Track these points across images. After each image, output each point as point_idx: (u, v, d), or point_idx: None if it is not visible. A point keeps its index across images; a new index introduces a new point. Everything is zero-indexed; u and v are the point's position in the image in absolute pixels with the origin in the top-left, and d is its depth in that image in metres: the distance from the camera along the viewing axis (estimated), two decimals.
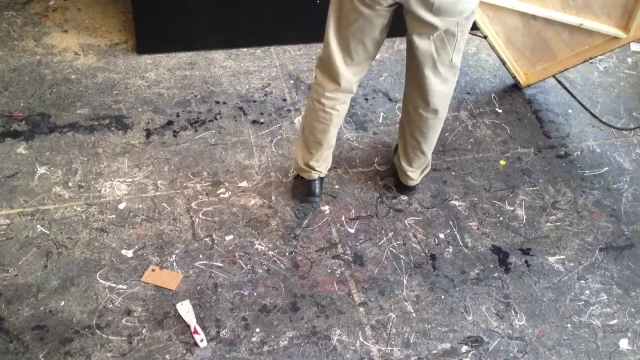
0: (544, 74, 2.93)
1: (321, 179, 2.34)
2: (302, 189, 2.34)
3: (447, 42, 1.90)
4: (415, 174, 2.37)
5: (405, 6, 1.82)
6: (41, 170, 2.39)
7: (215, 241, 2.24)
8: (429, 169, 2.40)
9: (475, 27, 2.84)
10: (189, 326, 1.98)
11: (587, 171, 2.68)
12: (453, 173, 2.60)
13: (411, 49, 1.96)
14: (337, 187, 2.48)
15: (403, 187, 2.44)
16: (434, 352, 2.01)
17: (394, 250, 2.28)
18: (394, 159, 2.44)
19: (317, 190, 2.32)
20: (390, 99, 2.90)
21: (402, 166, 2.35)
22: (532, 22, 2.78)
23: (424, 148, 2.27)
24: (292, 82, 2.91)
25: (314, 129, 2.16)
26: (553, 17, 2.71)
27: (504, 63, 2.96)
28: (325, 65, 2.02)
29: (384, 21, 1.90)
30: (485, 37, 2.89)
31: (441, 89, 2.05)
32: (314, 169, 2.26)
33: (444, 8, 1.78)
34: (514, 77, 3.00)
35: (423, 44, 1.91)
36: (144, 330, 1.97)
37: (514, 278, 2.24)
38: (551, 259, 2.32)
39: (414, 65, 2.01)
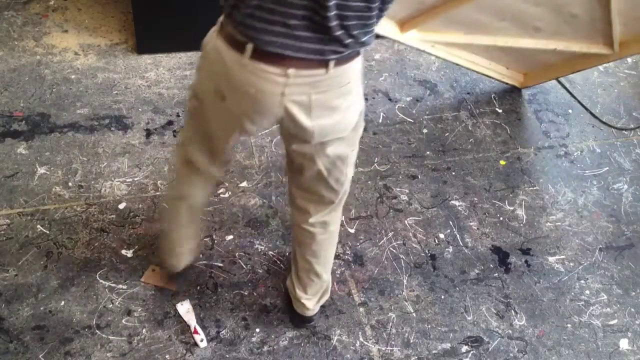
0: (541, 78, 2.94)
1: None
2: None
3: (336, 162, 1.58)
4: (311, 302, 1.96)
5: (282, 130, 1.52)
6: (41, 170, 2.39)
7: (215, 241, 2.24)
8: (327, 295, 2.01)
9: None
10: (189, 326, 1.97)
11: (587, 171, 2.68)
12: (453, 173, 2.60)
13: (293, 170, 1.67)
14: None
15: (299, 319, 2.02)
16: (434, 352, 2.01)
17: (394, 250, 2.28)
18: (287, 283, 2.04)
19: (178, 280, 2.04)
20: (390, 99, 2.90)
21: (297, 293, 1.96)
22: (506, 48, 2.71)
23: (318, 269, 1.89)
24: None
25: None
26: (523, 46, 2.60)
27: (490, 77, 2.95)
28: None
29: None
30: (457, 64, 2.86)
31: (331, 198, 1.73)
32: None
33: (326, 131, 1.48)
34: (508, 84, 3.00)
35: (309, 171, 1.61)
36: (144, 330, 1.96)
37: (514, 278, 2.24)
38: (551, 259, 2.32)
39: (297, 182, 1.71)
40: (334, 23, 1.28)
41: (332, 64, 1.35)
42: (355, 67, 1.43)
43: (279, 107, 1.41)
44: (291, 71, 1.34)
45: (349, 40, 1.33)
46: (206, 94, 1.51)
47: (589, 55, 2.61)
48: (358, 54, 1.43)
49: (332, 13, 1.26)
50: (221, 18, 1.41)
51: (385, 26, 2.60)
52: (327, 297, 2.02)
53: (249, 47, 1.32)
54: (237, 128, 1.53)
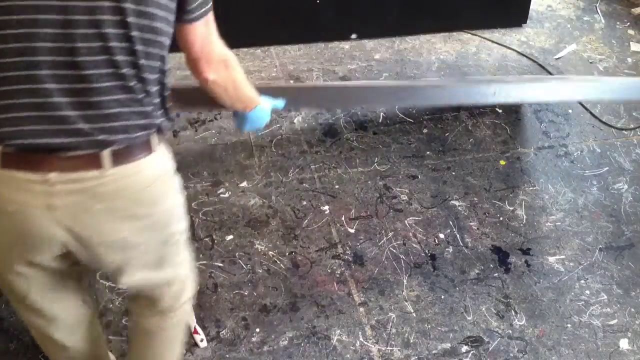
0: None
1: None
2: None
3: (157, 265, 1.27)
4: None
5: (75, 255, 1.15)
6: None
7: (215, 241, 2.23)
8: None
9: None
10: (189, 326, 1.97)
11: (587, 171, 2.68)
12: (453, 173, 2.60)
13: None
14: (337, 187, 2.48)
15: None
16: (434, 352, 2.00)
17: (394, 250, 2.28)
18: None
19: None
20: None
21: None
22: None
23: None
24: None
25: None
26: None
27: None
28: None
29: (61, 274, 1.26)
30: None
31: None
32: None
33: (131, 242, 1.14)
34: None
35: (133, 284, 1.30)
36: None
37: (514, 278, 2.24)
38: (551, 259, 2.32)
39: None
40: (99, 84, 0.96)
41: (107, 157, 1.02)
42: (154, 167, 1.09)
43: (54, 226, 1.05)
44: (53, 175, 1.00)
45: (132, 112, 1.00)
46: None
47: None
48: (151, 144, 1.08)
49: (95, 71, 0.95)
50: None
51: None
52: None
53: None
54: (18, 269, 1.16)
